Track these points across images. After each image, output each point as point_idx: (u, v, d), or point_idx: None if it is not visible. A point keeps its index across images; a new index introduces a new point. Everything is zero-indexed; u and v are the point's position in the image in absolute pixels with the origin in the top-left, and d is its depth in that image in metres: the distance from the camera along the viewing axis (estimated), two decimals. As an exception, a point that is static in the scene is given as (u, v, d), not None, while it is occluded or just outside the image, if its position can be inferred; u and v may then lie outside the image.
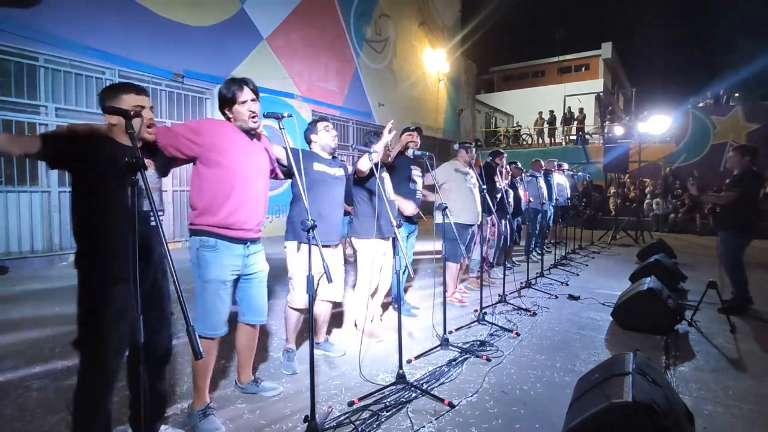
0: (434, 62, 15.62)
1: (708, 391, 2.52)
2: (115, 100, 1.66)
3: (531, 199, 6.34)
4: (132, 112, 1.45)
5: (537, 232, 6.57)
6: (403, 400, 2.31)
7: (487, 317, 3.69)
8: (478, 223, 4.37)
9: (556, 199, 6.79)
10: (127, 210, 1.35)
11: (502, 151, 5.19)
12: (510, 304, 4.16)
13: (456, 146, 4.49)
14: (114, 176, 1.59)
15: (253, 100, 2.09)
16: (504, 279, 4.32)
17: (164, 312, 1.82)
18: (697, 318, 3.74)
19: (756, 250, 4.33)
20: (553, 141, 18.61)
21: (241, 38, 8.64)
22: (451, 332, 3.32)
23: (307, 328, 2.84)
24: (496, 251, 5.44)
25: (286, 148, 2.04)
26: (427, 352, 2.99)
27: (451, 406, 2.27)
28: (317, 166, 2.69)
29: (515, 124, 22.45)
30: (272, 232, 8.98)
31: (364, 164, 2.80)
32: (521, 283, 4.93)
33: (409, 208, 3.53)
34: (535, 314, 3.93)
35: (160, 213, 1.84)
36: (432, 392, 2.39)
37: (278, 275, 5.35)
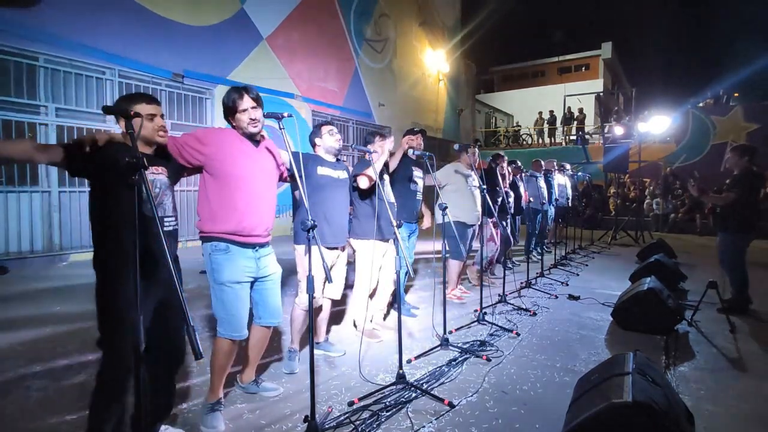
0: (434, 62, 15.62)
1: (708, 391, 2.52)
2: (129, 109, 1.68)
3: (531, 199, 6.34)
4: (132, 112, 1.46)
5: (537, 232, 6.57)
6: (403, 400, 2.31)
7: (487, 317, 3.69)
8: (479, 223, 4.37)
9: (557, 200, 6.79)
10: (139, 213, 1.37)
11: (502, 153, 5.19)
12: (510, 304, 4.16)
13: (456, 147, 4.48)
14: (119, 177, 1.60)
15: (253, 107, 2.10)
16: (504, 279, 4.33)
17: (180, 311, 1.83)
18: (697, 318, 3.74)
19: (756, 250, 4.33)
20: (553, 141, 18.60)
21: (241, 38, 8.64)
22: (451, 332, 3.32)
23: (316, 327, 2.87)
24: (499, 253, 5.44)
25: (289, 153, 2.05)
26: (427, 352, 2.99)
27: (451, 406, 2.27)
28: (321, 170, 2.72)
29: (515, 124, 22.46)
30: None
31: (364, 183, 2.90)
32: (521, 283, 4.93)
33: (427, 222, 3.95)
34: (535, 314, 3.93)
35: (172, 219, 1.86)
36: (432, 392, 2.39)
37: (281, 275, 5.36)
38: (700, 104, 14.77)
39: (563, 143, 17.81)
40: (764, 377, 2.73)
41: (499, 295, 4.27)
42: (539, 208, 6.45)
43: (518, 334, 3.39)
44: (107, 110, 1.59)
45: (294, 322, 2.78)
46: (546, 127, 18.90)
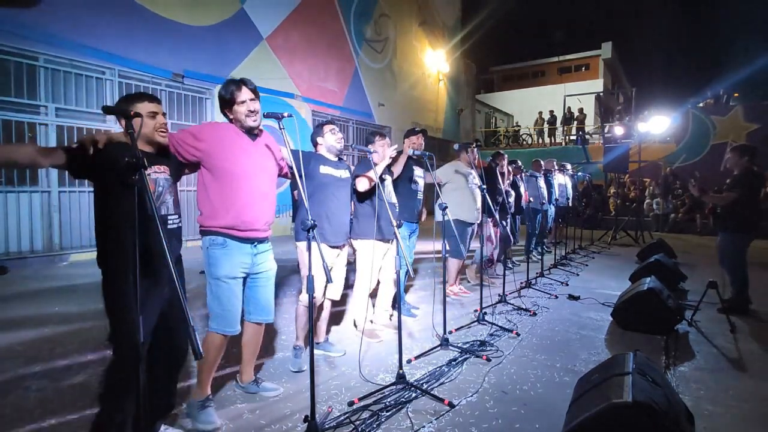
0: (434, 62, 15.63)
1: (708, 391, 2.52)
2: (131, 108, 1.69)
3: (531, 199, 6.34)
4: (132, 112, 1.46)
5: (537, 232, 6.57)
6: (403, 400, 2.31)
7: (487, 317, 3.69)
8: (478, 222, 4.37)
9: (557, 200, 6.78)
10: (140, 213, 1.37)
11: (502, 152, 5.19)
12: (510, 304, 4.16)
13: (456, 146, 4.48)
14: (119, 177, 1.62)
15: (252, 99, 2.09)
16: (504, 279, 4.32)
17: (183, 310, 1.85)
18: (697, 318, 3.74)
19: (756, 250, 4.33)
20: (553, 141, 18.61)
21: (241, 38, 8.64)
22: (451, 332, 3.31)
23: (316, 327, 2.87)
24: (499, 252, 5.45)
25: (289, 152, 2.04)
26: (427, 352, 2.99)
27: (451, 406, 2.27)
28: (324, 169, 2.73)
29: (515, 124, 22.46)
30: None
31: (361, 186, 2.92)
32: (521, 283, 4.93)
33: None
34: (535, 314, 3.93)
35: (176, 217, 1.86)
36: (432, 392, 2.39)
37: (279, 275, 5.37)
38: (700, 104, 14.77)
39: (563, 143, 17.81)
40: (764, 377, 2.72)
41: (499, 295, 4.27)
42: (539, 208, 6.46)
43: (518, 334, 3.38)
44: (107, 110, 1.59)
45: (299, 320, 2.78)
46: (546, 127, 18.90)
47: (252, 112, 2.09)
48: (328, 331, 3.13)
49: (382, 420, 2.12)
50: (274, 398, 2.35)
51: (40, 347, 3.01)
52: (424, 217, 4.00)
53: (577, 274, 5.81)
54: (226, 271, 2.06)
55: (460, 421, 2.14)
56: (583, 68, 26.13)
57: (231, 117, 2.13)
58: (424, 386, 2.46)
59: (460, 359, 2.88)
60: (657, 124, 13.18)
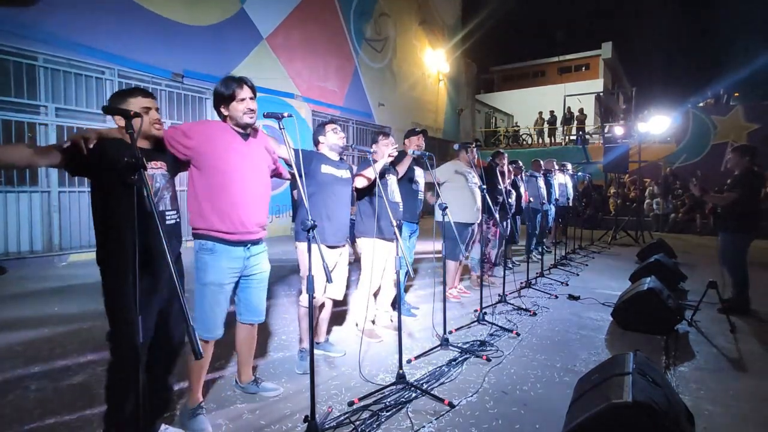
0: (434, 62, 15.63)
1: (708, 391, 2.51)
2: (123, 104, 1.71)
3: (531, 199, 6.34)
4: (132, 112, 1.46)
5: (537, 232, 6.57)
6: (403, 400, 2.31)
7: (487, 317, 3.69)
8: (478, 222, 4.37)
9: (557, 200, 6.78)
10: (139, 212, 1.37)
11: (502, 151, 5.19)
12: (510, 304, 4.16)
13: (456, 146, 4.47)
14: (119, 177, 1.61)
15: (251, 98, 2.08)
16: (504, 279, 4.32)
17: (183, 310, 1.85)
18: (697, 318, 3.74)
19: (756, 250, 4.32)
20: (553, 141, 18.60)
21: (241, 38, 8.64)
22: (451, 332, 3.31)
23: (316, 327, 2.87)
24: (498, 251, 5.44)
25: (290, 152, 2.04)
26: (427, 352, 2.99)
27: (451, 406, 2.27)
28: (325, 168, 2.72)
29: (515, 124, 22.46)
30: (273, 232, 8.99)
31: (359, 183, 2.93)
32: (521, 283, 4.93)
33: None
34: (535, 314, 3.93)
35: (173, 213, 1.86)
36: (432, 392, 2.39)
37: (278, 275, 5.38)
38: (701, 104, 14.77)
39: (563, 143, 17.81)
40: (764, 377, 2.72)
41: (499, 295, 4.27)
42: (539, 208, 6.45)
43: (518, 334, 3.38)
44: (107, 110, 1.59)
45: (302, 322, 2.78)
46: (546, 127, 18.90)
47: (251, 110, 2.08)
48: (328, 332, 3.12)
49: (382, 420, 2.12)
50: (274, 398, 2.35)
51: (40, 347, 3.01)
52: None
53: (577, 274, 5.81)
54: (212, 278, 2.02)
55: (460, 422, 2.14)
56: (583, 68, 26.13)
57: (226, 114, 2.08)
58: (424, 386, 2.46)
59: (460, 359, 2.87)
60: (657, 124, 13.18)
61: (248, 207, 2.07)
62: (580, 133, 16.20)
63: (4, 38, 5.46)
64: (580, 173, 10.62)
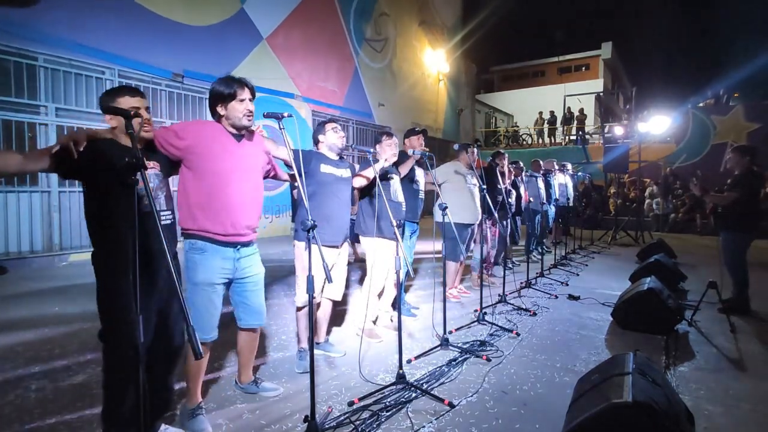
0: (434, 62, 15.63)
1: (708, 391, 2.51)
2: (113, 104, 1.69)
3: (531, 199, 6.34)
4: (132, 112, 1.46)
5: (537, 232, 6.57)
6: (403, 400, 2.31)
7: (487, 317, 3.69)
8: (477, 222, 4.37)
9: (557, 200, 6.77)
10: (138, 212, 1.37)
11: (503, 151, 5.19)
12: (510, 304, 4.16)
13: (456, 147, 4.48)
14: (118, 177, 1.60)
15: (250, 99, 2.08)
16: (504, 279, 4.32)
17: (183, 310, 1.86)
18: (697, 318, 3.74)
19: (756, 250, 4.32)
20: (553, 141, 18.60)
21: (241, 38, 8.64)
22: (451, 332, 3.31)
23: (316, 327, 2.87)
24: (498, 251, 5.44)
25: (290, 152, 2.03)
26: (427, 352, 2.99)
27: (451, 406, 2.27)
28: (324, 168, 2.72)
29: (515, 124, 22.46)
30: (273, 232, 9.00)
31: (357, 183, 2.94)
32: (521, 283, 4.93)
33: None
34: (535, 314, 3.93)
35: (168, 213, 1.86)
36: (432, 392, 2.39)
37: (278, 275, 5.38)
38: (701, 104, 14.77)
39: (563, 143, 17.81)
40: (764, 377, 2.72)
41: (499, 295, 4.27)
42: (539, 208, 6.45)
43: (518, 334, 3.38)
44: (108, 110, 1.59)
45: (300, 322, 2.77)
46: (546, 127, 18.90)
47: (250, 112, 2.07)
48: (328, 332, 3.12)
49: (382, 420, 2.12)
50: (274, 398, 2.35)
51: (40, 347, 3.01)
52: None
53: (577, 274, 5.81)
54: (203, 277, 2.01)
55: (460, 421, 2.14)
56: (583, 68, 26.13)
57: (222, 114, 2.06)
58: (424, 386, 2.46)
59: (460, 359, 2.87)
60: (657, 124, 13.18)
61: (239, 209, 2.04)
62: (580, 133, 16.20)
63: (4, 38, 5.46)
64: (580, 173, 10.62)
